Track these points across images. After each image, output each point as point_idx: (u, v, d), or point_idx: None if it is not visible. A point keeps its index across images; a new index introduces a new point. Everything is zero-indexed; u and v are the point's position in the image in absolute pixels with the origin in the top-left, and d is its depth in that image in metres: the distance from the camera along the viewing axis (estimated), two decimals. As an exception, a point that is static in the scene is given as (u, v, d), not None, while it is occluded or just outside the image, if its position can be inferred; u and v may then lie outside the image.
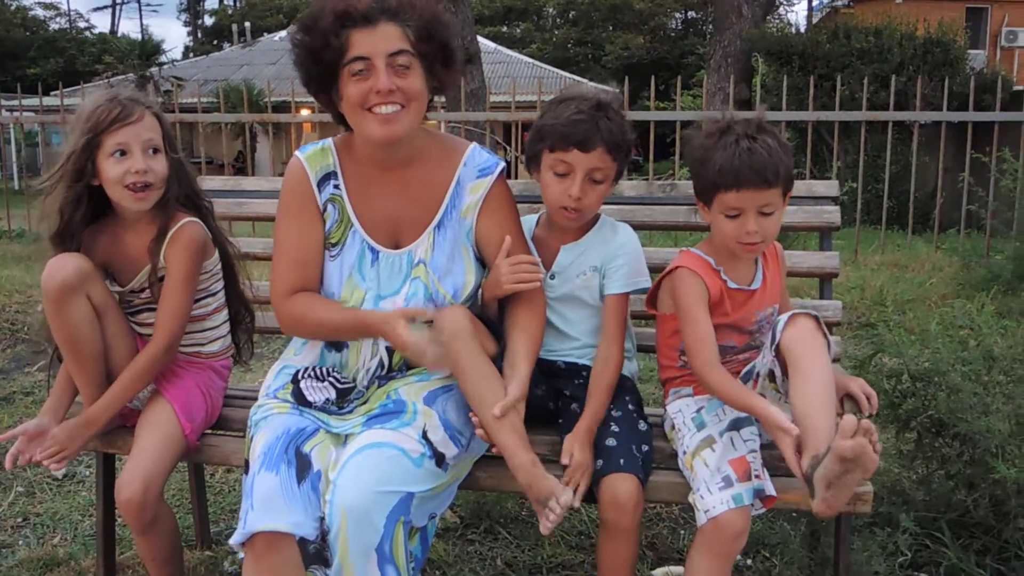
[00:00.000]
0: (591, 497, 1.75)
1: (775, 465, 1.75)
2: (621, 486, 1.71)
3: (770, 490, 1.69)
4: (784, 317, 1.72)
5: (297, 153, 1.90)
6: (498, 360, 1.82)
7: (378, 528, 1.59)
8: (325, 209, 1.87)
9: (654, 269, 2.03)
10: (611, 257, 1.96)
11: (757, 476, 1.70)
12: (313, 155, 1.89)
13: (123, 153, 1.89)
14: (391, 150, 1.83)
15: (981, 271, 5.39)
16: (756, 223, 1.79)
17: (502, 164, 1.94)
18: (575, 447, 1.77)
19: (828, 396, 1.63)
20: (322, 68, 1.74)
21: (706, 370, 1.78)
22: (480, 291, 1.96)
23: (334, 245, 1.87)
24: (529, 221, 2.07)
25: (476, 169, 1.91)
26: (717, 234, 1.87)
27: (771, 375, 1.76)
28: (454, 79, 1.88)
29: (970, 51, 13.75)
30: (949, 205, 7.22)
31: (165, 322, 1.96)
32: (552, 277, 1.98)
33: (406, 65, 1.74)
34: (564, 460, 1.76)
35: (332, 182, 1.88)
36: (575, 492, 1.71)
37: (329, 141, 1.93)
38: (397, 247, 1.88)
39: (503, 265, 1.84)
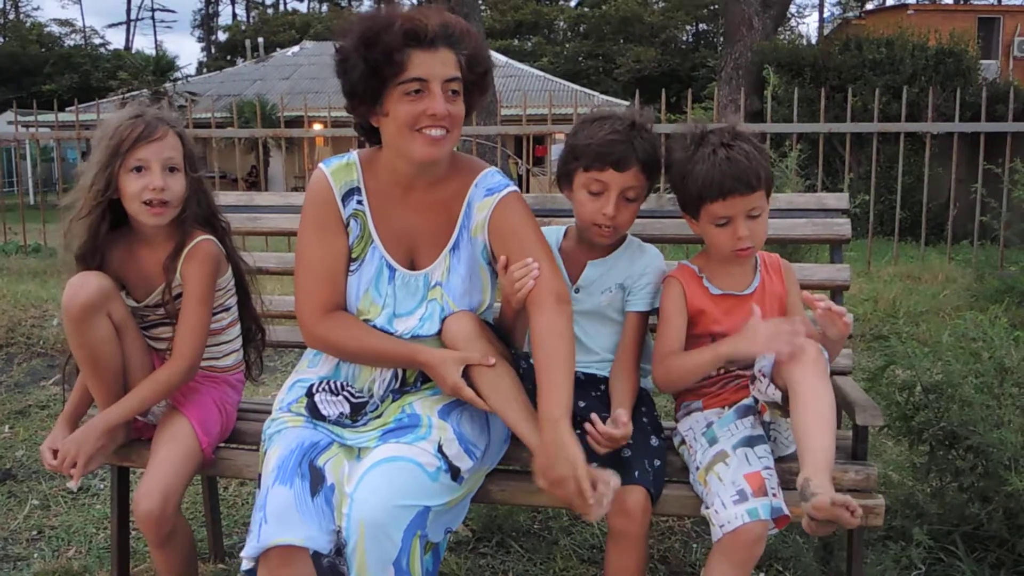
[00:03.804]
0: None
1: (787, 480, 1.75)
2: (630, 495, 1.73)
3: (786, 510, 1.69)
4: None
5: (321, 166, 1.91)
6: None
7: (395, 542, 1.60)
8: (348, 224, 1.88)
9: (665, 282, 2.04)
10: (637, 275, 1.98)
11: (774, 495, 1.70)
12: (338, 169, 1.90)
13: (142, 169, 1.92)
14: (423, 170, 1.84)
15: (994, 283, 5.37)
16: (746, 227, 1.82)
17: (512, 187, 1.91)
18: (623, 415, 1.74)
19: (826, 415, 1.66)
20: (376, 82, 1.74)
21: (665, 360, 1.88)
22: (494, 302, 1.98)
23: (354, 260, 1.88)
24: (556, 233, 2.08)
25: (484, 189, 1.90)
26: (711, 245, 1.91)
27: (776, 404, 1.77)
28: (482, 104, 1.90)
29: (982, 61, 13.73)
30: (962, 216, 7.19)
31: (187, 340, 1.96)
32: (577, 291, 1.98)
33: (456, 91, 1.77)
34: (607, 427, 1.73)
35: (356, 197, 1.89)
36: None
37: (354, 156, 1.93)
38: (412, 266, 1.89)
39: (504, 285, 1.84)
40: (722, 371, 1.93)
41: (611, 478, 1.64)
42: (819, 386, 1.68)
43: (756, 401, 1.83)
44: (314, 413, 1.81)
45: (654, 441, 1.88)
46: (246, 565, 1.65)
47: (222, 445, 2.07)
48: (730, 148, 1.80)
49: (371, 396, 1.87)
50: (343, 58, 1.77)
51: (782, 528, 1.72)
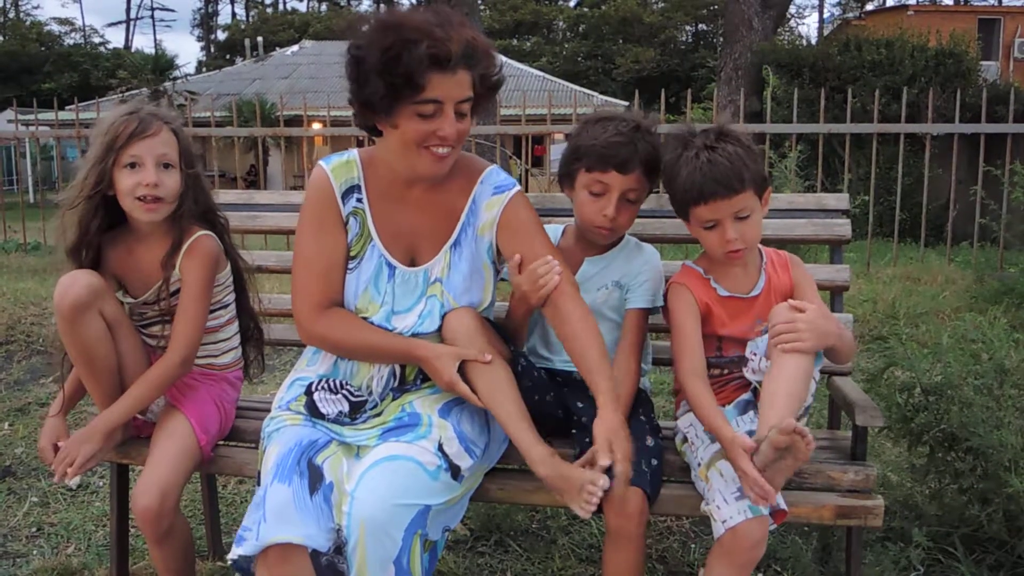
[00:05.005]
0: (598, 507, 1.76)
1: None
2: (627, 495, 1.72)
3: (783, 504, 1.69)
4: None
5: (322, 163, 1.90)
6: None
7: (396, 541, 1.60)
8: (347, 222, 1.88)
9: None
10: (635, 273, 1.99)
11: None
12: (338, 167, 1.89)
13: (136, 165, 1.92)
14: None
15: (994, 284, 5.36)
16: (735, 229, 1.81)
17: (519, 186, 1.92)
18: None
19: (794, 388, 1.67)
20: (391, 99, 1.70)
21: (688, 377, 1.83)
22: (495, 302, 1.98)
23: (353, 258, 1.88)
24: (554, 232, 2.07)
25: (492, 187, 1.90)
26: (704, 247, 1.91)
27: None
28: (484, 112, 1.90)
29: (982, 63, 13.73)
30: (962, 217, 7.18)
31: (182, 333, 1.96)
32: None
33: (466, 112, 1.76)
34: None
35: (355, 195, 1.88)
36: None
37: (354, 153, 1.92)
38: (413, 264, 1.89)
39: (523, 282, 1.83)
40: (725, 371, 1.93)
41: (599, 479, 1.63)
42: (800, 361, 1.69)
43: (755, 394, 1.83)
44: (313, 411, 1.81)
45: (651, 441, 1.87)
46: (233, 555, 1.65)
47: (221, 443, 2.08)
48: (712, 151, 1.78)
49: (370, 394, 1.87)
50: (359, 67, 1.71)
51: (780, 523, 1.72)
